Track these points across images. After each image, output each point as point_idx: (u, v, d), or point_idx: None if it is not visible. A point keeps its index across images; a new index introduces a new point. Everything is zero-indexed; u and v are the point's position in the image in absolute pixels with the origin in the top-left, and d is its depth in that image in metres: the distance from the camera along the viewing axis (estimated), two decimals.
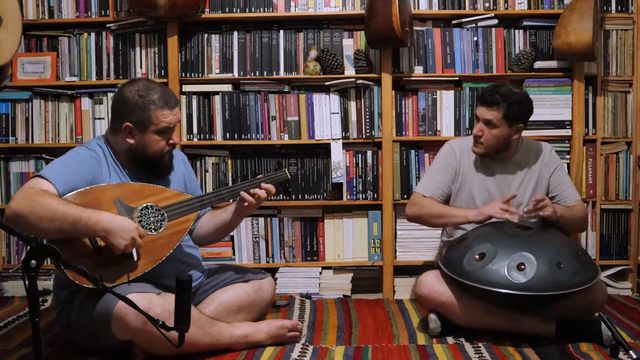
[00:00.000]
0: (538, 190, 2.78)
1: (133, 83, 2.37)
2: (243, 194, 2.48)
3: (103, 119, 3.35)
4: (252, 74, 3.35)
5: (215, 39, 3.35)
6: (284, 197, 3.23)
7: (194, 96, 3.34)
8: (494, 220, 2.66)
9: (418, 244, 3.35)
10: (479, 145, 2.72)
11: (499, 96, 2.62)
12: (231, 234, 3.29)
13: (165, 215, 2.31)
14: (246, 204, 2.50)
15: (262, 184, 2.51)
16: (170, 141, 2.38)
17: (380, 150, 3.33)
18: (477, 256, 2.43)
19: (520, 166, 2.78)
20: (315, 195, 3.37)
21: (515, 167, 2.77)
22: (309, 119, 3.33)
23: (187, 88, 3.35)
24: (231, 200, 2.64)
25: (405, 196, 3.32)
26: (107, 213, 2.13)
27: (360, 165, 3.35)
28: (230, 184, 3.33)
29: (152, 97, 2.31)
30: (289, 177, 2.66)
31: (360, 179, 3.35)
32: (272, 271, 3.35)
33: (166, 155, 2.40)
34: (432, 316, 2.57)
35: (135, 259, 2.18)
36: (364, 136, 3.33)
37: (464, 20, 3.31)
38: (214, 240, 2.75)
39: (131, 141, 2.33)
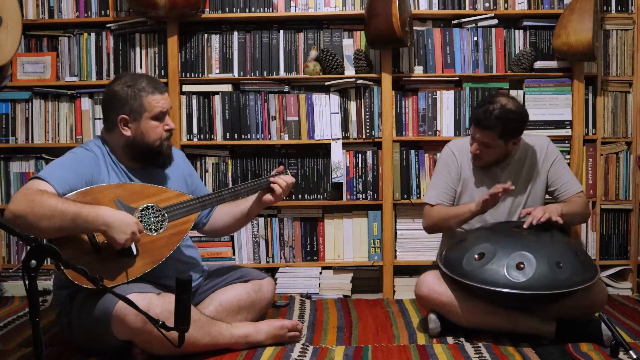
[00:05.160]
0: (537, 187, 2.77)
1: (118, 78, 2.39)
2: (275, 179, 2.50)
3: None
4: (252, 74, 3.35)
5: (215, 39, 3.35)
6: (285, 198, 3.23)
7: (194, 96, 3.34)
8: (494, 222, 2.68)
9: (418, 244, 3.35)
10: (478, 160, 2.73)
11: (494, 119, 2.58)
12: (232, 233, 3.29)
13: (166, 215, 2.31)
14: (270, 197, 2.51)
15: (281, 176, 2.52)
16: (166, 127, 2.38)
17: (380, 150, 3.33)
18: (476, 256, 2.44)
19: (519, 165, 2.78)
20: (315, 195, 3.37)
21: (514, 167, 2.77)
22: (309, 119, 3.33)
23: (187, 88, 3.35)
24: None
25: (405, 196, 3.32)
26: (106, 208, 2.13)
27: (360, 165, 3.35)
28: (231, 184, 3.34)
29: (140, 85, 2.33)
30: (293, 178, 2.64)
31: (360, 179, 3.35)
32: (272, 271, 3.35)
33: (165, 142, 2.40)
34: (432, 316, 2.57)
35: (135, 253, 2.18)
36: (364, 136, 3.33)
37: (464, 20, 3.31)
38: (230, 231, 2.79)
39: (128, 133, 2.34)
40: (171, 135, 2.44)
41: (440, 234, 3.01)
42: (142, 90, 2.33)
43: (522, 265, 2.36)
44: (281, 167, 2.61)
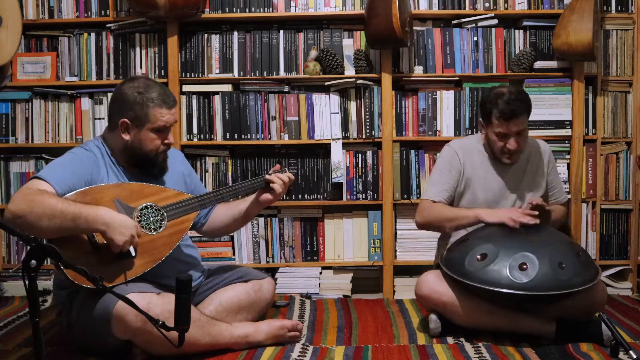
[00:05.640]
0: (540, 185, 2.79)
1: (132, 80, 2.38)
2: (271, 177, 2.49)
3: (103, 119, 3.35)
4: (252, 74, 3.35)
5: (215, 39, 3.35)
6: (284, 197, 3.23)
7: (194, 96, 3.34)
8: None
9: (418, 244, 3.35)
10: (514, 155, 2.70)
11: (520, 102, 2.62)
12: (232, 234, 3.29)
13: (165, 215, 2.31)
14: (269, 196, 2.51)
15: (277, 174, 2.52)
16: (166, 141, 2.38)
17: (380, 150, 3.33)
18: (478, 256, 2.43)
19: (522, 164, 2.78)
20: (315, 195, 3.37)
21: (517, 166, 2.77)
22: (309, 119, 3.33)
23: (187, 88, 3.35)
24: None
25: (405, 196, 3.32)
26: (106, 208, 2.14)
27: (360, 165, 3.35)
28: (230, 184, 3.33)
29: (151, 94, 2.32)
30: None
31: (360, 179, 3.35)
32: (272, 271, 3.35)
33: (161, 155, 2.39)
34: (433, 316, 2.57)
35: (133, 254, 2.18)
36: (364, 136, 3.33)
37: (464, 20, 3.31)
38: (229, 231, 2.80)
39: (127, 138, 2.33)
40: (169, 148, 2.43)
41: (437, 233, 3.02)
42: (150, 100, 2.31)
43: (524, 266, 2.36)
44: (278, 165, 2.60)
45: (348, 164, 3.34)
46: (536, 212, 2.56)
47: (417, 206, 2.82)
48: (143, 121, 2.32)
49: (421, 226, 2.80)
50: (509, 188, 2.75)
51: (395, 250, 3.36)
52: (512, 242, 2.46)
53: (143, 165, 2.39)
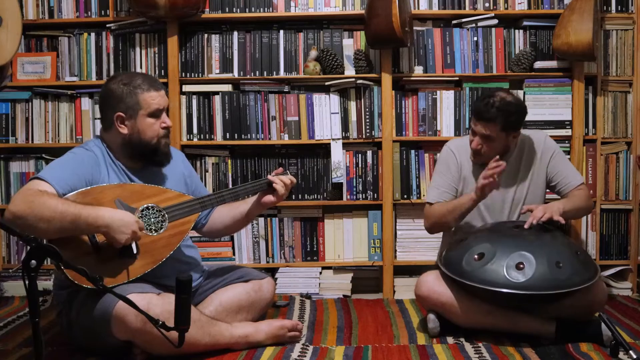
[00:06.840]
0: (537, 182, 2.76)
1: (115, 77, 2.40)
2: (273, 178, 2.49)
3: None
4: (252, 74, 3.35)
5: (215, 39, 3.36)
6: (285, 199, 3.24)
7: (194, 96, 3.34)
8: (494, 221, 2.68)
9: (418, 244, 3.35)
10: (479, 157, 2.71)
11: (495, 110, 2.58)
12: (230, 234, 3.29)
13: (166, 216, 2.31)
14: (271, 198, 2.50)
15: (279, 176, 2.52)
16: (163, 124, 2.38)
17: (380, 150, 3.33)
18: (476, 256, 2.44)
19: (517, 162, 2.78)
20: (315, 195, 3.37)
21: (513, 164, 2.76)
22: (309, 119, 3.33)
23: (187, 88, 3.35)
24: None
25: (405, 196, 3.32)
26: (105, 208, 2.14)
27: (360, 165, 3.35)
28: (230, 184, 3.34)
29: (136, 82, 2.34)
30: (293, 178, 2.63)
31: (360, 179, 3.35)
32: (272, 271, 3.35)
33: (162, 140, 2.40)
34: (431, 316, 2.57)
35: (135, 251, 2.18)
36: (364, 136, 3.33)
37: (464, 20, 3.31)
38: (229, 232, 2.81)
39: (124, 131, 2.34)
40: (169, 133, 2.43)
41: (440, 234, 3.02)
42: (137, 87, 2.33)
43: (521, 266, 2.36)
44: (280, 168, 2.61)
45: (348, 164, 3.34)
46: (499, 162, 2.53)
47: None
48: (136, 109, 2.33)
49: (430, 230, 2.84)
50: (505, 185, 2.74)
51: (395, 250, 3.36)
52: (510, 241, 2.46)
53: (146, 156, 2.39)
